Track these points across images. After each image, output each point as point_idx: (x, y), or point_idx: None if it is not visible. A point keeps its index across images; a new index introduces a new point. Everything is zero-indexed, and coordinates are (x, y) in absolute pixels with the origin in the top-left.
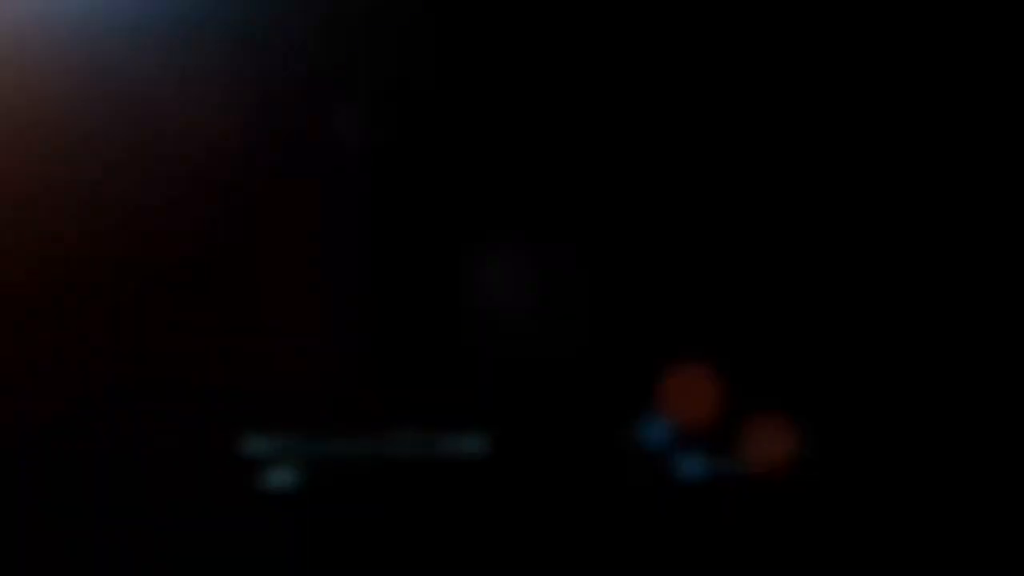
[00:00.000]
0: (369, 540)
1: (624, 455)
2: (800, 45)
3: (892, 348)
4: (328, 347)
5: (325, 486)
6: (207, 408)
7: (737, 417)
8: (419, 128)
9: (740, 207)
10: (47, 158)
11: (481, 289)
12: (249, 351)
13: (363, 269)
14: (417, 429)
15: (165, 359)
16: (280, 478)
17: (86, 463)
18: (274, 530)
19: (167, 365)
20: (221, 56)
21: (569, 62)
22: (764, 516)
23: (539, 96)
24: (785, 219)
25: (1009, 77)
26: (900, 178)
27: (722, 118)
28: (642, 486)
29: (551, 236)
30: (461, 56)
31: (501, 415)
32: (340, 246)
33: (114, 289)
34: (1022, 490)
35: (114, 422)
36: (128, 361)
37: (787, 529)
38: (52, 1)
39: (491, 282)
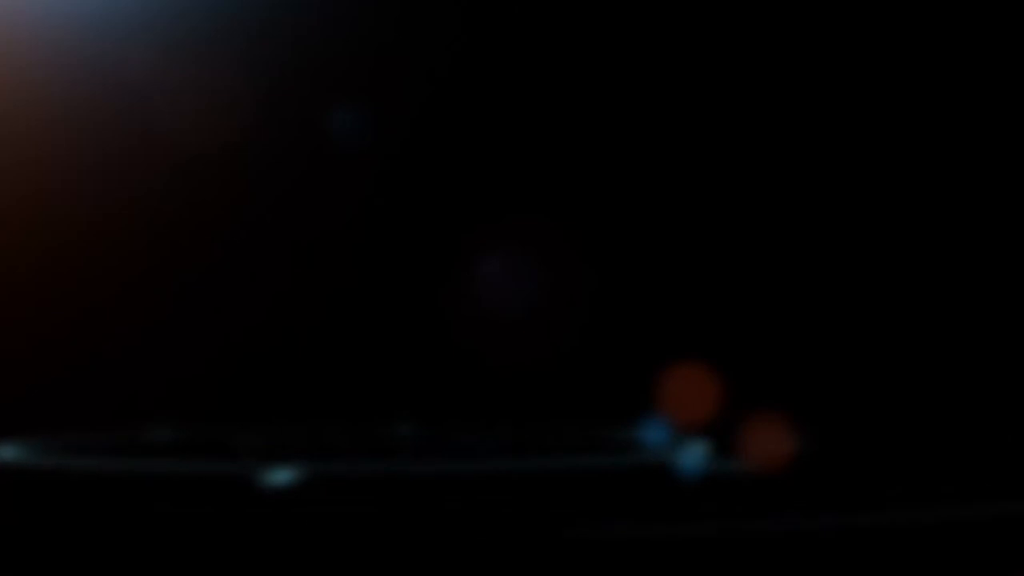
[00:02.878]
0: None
1: (624, 454)
2: (796, 46)
3: (891, 348)
4: (326, 345)
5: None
6: (205, 405)
7: (737, 417)
8: (418, 128)
9: (740, 209)
10: (47, 157)
11: (481, 288)
12: (247, 349)
13: (364, 267)
14: (417, 426)
15: (164, 356)
16: (280, 478)
17: (85, 459)
18: (273, 530)
19: (166, 362)
20: (222, 54)
21: (568, 62)
22: (764, 515)
23: (539, 95)
24: (784, 221)
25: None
26: (897, 180)
27: (723, 120)
28: (638, 485)
29: (552, 236)
30: (463, 56)
31: (501, 415)
32: (339, 243)
33: (112, 284)
34: (1021, 492)
35: (113, 419)
36: (127, 357)
37: (786, 528)
38: (52, 1)
39: (491, 281)
